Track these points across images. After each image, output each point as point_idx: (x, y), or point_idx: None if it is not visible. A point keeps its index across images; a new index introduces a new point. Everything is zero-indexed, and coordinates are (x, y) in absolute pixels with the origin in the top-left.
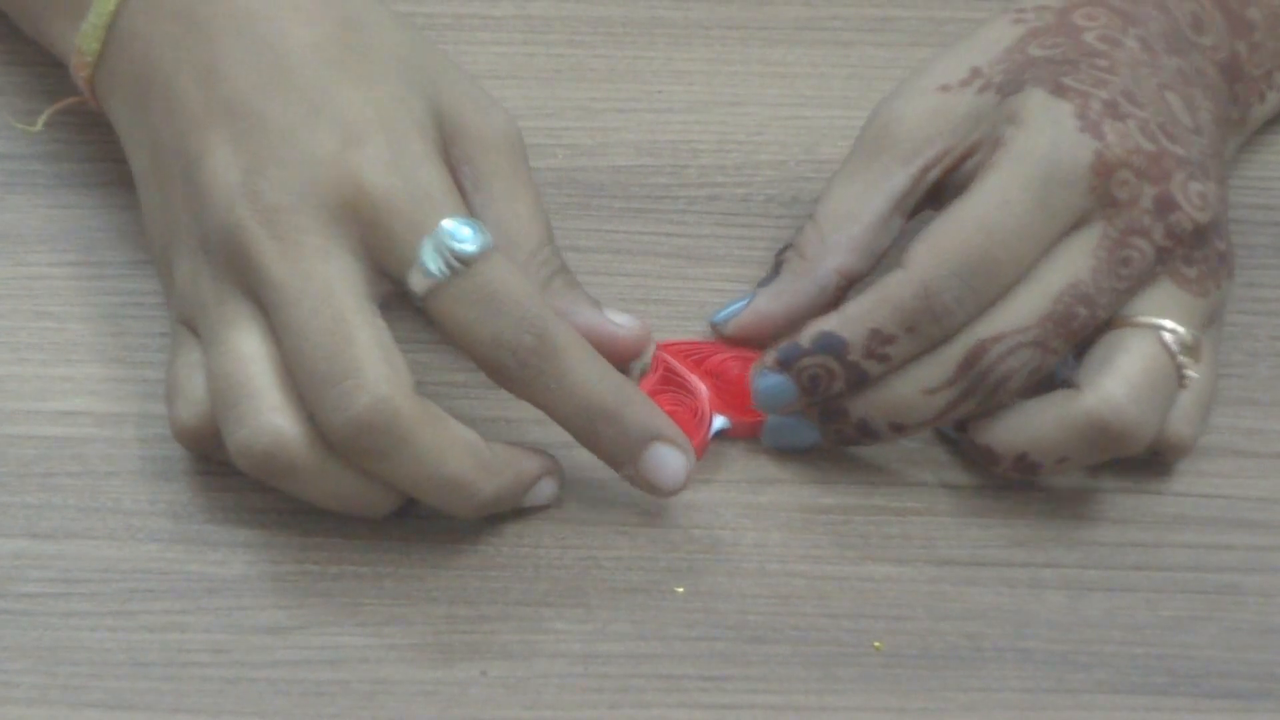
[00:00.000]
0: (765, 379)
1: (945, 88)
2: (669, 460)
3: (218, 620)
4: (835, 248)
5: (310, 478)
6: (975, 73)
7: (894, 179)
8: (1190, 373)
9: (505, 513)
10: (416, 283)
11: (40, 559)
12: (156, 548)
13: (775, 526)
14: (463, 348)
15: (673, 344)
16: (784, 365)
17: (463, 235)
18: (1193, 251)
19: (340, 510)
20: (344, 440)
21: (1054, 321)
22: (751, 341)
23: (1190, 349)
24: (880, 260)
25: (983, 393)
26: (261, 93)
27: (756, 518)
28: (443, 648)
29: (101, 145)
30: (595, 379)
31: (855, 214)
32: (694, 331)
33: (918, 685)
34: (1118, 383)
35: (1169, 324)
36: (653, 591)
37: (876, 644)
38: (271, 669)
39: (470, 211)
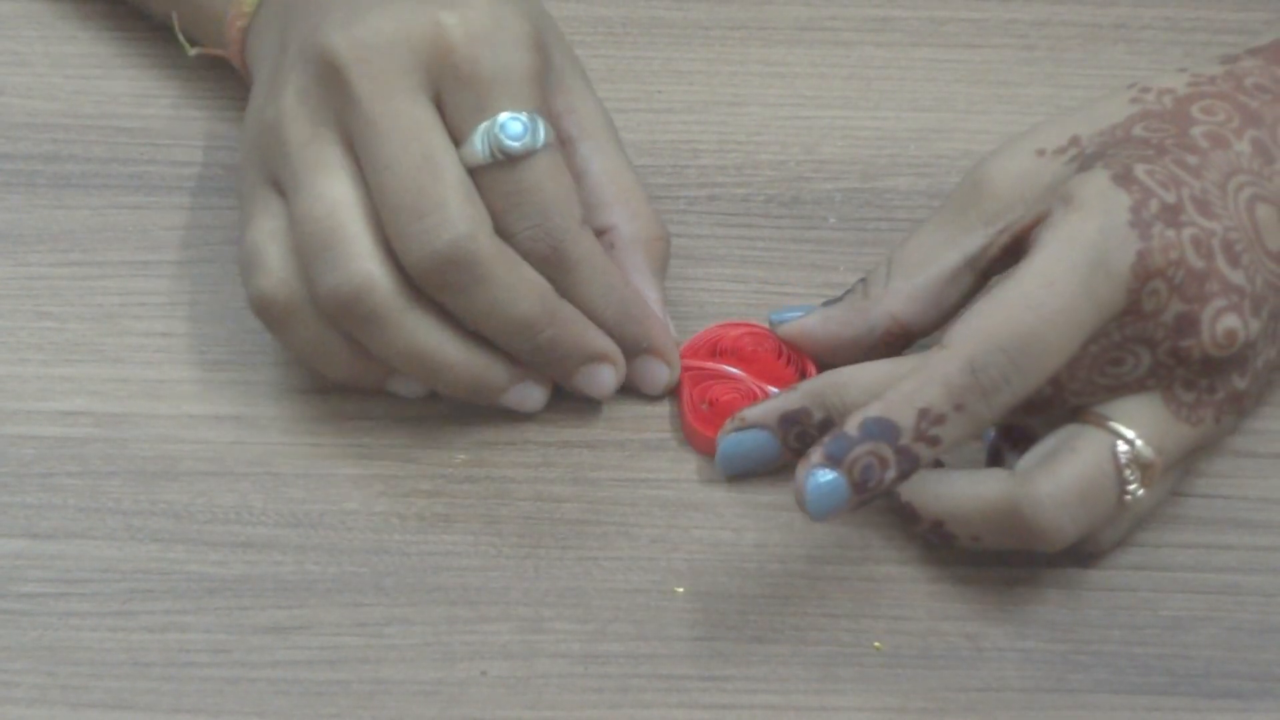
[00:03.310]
0: (815, 477)
1: (1041, 152)
2: (651, 372)
3: (218, 620)
4: (895, 293)
5: (393, 326)
6: (1074, 141)
7: (972, 236)
8: (1135, 490)
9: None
10: (465, 155)
11: (40, 559)
12: (156, 548)
13: (775, 526)
14: (493, 223)
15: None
16: (834, 460)
17: (514, 132)
18: (1198, 379)
19: (414, 368)
20: (424, 274)
21: None
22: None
23: (1145, 468)
24: (945, 317)
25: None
26: None
27: (756, 518)
28: (443, 648)
29: (103, 146)
30: (598, 295)
31: (926, 264)
32: (693, 331)
33: (918, 685)
34: (1048, 482)
35: (1131, 435)
36: (653, 591)
37: (876, 644)
38: (271, 669)
39: (571, 151)
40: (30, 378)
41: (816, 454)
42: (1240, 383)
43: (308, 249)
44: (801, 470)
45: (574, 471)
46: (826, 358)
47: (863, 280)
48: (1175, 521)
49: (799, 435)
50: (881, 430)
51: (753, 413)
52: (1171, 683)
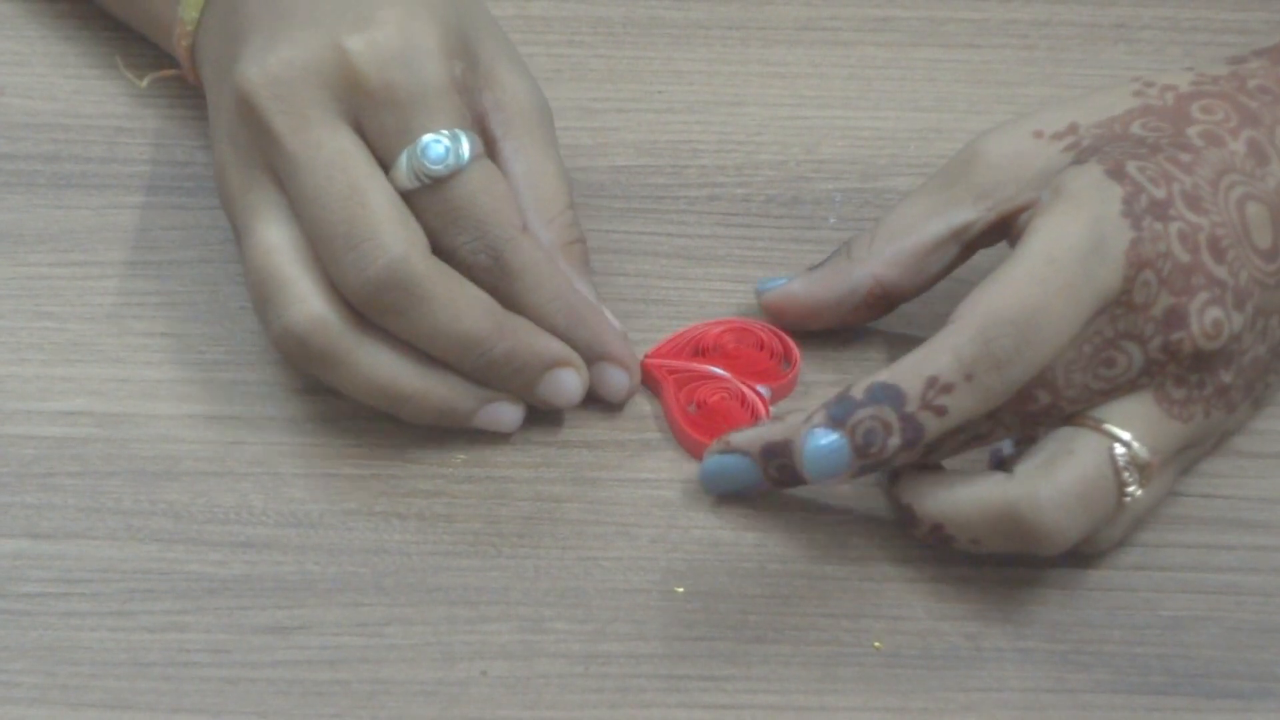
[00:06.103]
0: (815, 438)
1: (1038, 134)
2: (610, 379)
3: (218, 620)
4: (878, 255)
5: (346, 362)
6: (1072, 128)
7: (961, 209)
8: (1134, 491)
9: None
10: (394, 179)
11: (40, 559)
12: (156, 548)
13: (775, 526)
14: (432, 243)
15: (659, 347)
16: (836, 422)
17: (436, 155)
18: (1188, 374)
19: (376, 401)
20: (365, 301)
21: (1013, 399)
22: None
23: (1142, 468)
24: (928, 284)
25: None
26: (307, 1)
27: (756, 518)
28: (443, 648)
29: (103, 146)
30: (546, 302)
31: (911, 230)
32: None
33: (918, 685)
34: (1048, 485)
35: (1127, 437)
36: (653, 591)
37: (876, 644)
38: (271, 669)
39: (494, 152)
40: (30, 378)
41: (819, 415)
42: (1226, 377)
43: (256, 299)
44: (802, 431)
45: (574, 471)
46: (811, 322)
47: (846, 244)
48: (1175, 521)
49: (780, 467)
50: (887, 395)
51: (738, 438)
52: (1171, 683)
